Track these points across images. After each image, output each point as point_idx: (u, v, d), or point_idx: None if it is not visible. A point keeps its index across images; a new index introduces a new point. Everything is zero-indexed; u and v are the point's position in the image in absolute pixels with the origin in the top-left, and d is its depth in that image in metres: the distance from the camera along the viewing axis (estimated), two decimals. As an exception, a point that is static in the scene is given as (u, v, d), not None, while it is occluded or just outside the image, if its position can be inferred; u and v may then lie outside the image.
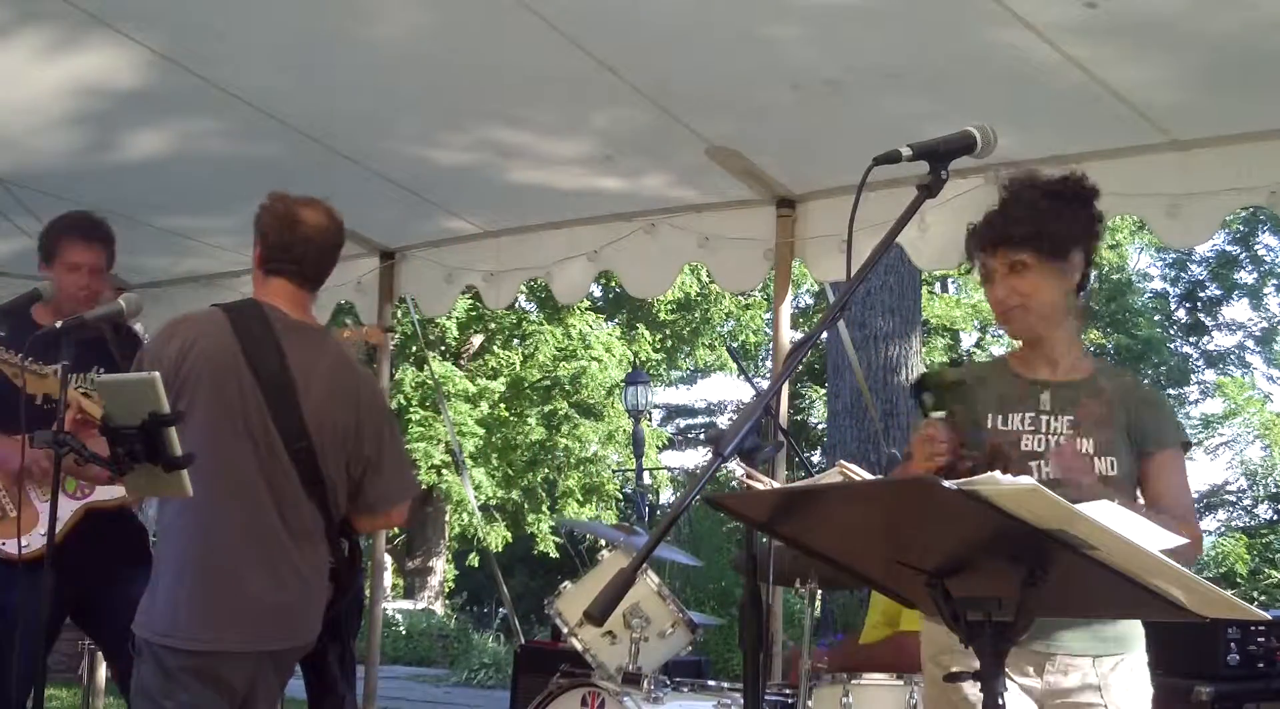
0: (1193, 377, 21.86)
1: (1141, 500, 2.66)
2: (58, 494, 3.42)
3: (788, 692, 4.00)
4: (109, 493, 3.96)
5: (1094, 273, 2.83)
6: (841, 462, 1.97)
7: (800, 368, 5.35)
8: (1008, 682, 1.91)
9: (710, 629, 10.78)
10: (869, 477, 1.88)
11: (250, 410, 3.07)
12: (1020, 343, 2.83)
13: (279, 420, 3.07)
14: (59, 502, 3.75)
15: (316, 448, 3.11)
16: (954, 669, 1.84)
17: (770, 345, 16.82)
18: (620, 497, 21.64)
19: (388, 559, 18.31)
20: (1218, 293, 21.62)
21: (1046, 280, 2.69)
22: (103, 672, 6.57)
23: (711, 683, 4.23)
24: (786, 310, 5.24)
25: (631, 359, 20.41)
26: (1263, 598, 15.84)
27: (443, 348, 20.46)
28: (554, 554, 19.86)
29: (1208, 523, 19.44)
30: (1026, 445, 2.67)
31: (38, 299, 3.63)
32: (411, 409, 19.07)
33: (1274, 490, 18.98)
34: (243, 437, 3.06)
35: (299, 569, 3.10)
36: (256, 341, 3.11)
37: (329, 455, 3.14)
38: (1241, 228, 19.85)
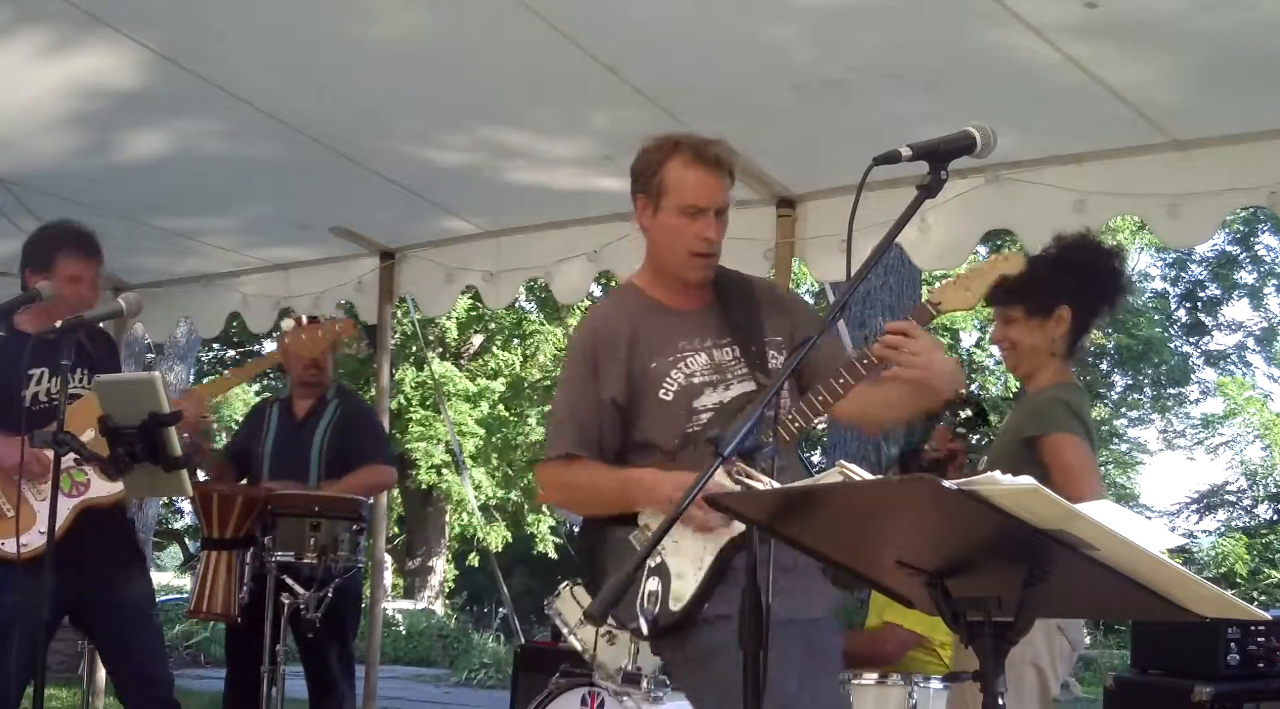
0: (1193, 376, 21.84)
1: None
2: (57, 494, 3.44)
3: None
4: (104, 490, 3.96)
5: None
6: (841, 462, 1.97)
7: (800, 368, 5.31)
8: None
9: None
10: (869, 477, 1.88)
11: None
12: None
13: None
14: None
15: None
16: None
17: (770, 345, 16.73)
18: (620, 496, 21.59)
19: (388, 559, 18.31)
20: (1218, 293, 21.60)
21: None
22: (102, 672, 6.57)
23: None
24: (786, 310, 5.23)
25: (632, 359, 20.35)
26: (1263, 598, 15.84)
27: (442, 348, 20.46)
28: (554, 554, 19.85)
29: (1208, 523, 19.45)
30: None
31: (36, 299, 3.63)
32: (411, 409, 19.06)
33: (1274, 490, 18.97)
34: None
35: None
36: None
37: None
38: (1241, 228, 19.82)
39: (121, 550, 4.13)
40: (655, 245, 2.95)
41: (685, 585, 2.71)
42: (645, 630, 2.71)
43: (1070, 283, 3.49)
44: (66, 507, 3.89)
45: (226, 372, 4.88)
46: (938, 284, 2.66)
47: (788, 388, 2.84)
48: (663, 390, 2.83)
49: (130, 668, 4.12)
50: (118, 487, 4.00)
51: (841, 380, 2.64)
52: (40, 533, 3.81)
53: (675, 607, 2.70)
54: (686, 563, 2.71)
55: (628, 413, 2.86)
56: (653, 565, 2.71)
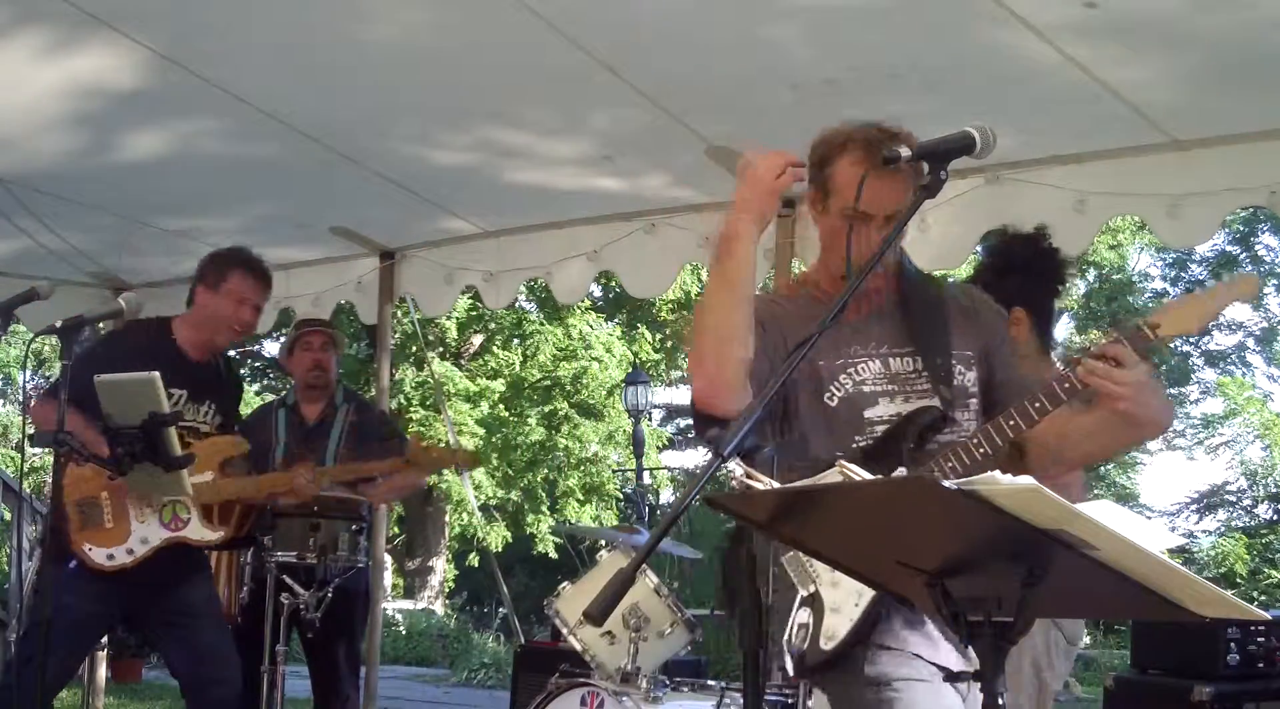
0: (1193, 376, 21.84)
1: None
2: (59, 493, 3.45)
3: (787, 692, 4.00)
4: (199, 535, 4.07)
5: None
6: (842, 461, 1.97)
7: (800, 368, 5.31)
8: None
9: (709, 628, 10.77)
10: (869, 477, 1.88)
11: None
12: None
13: None
14: (151, 527, 4.00)
15: None
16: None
17: (770, 345, 16.68)
18: (620, 497, 21.62)
19: (388, 559, 18.30)
20: (1218, 293, 21.58)
21: None
22: (103, 672, 6.57)
23: (711, 683, 4.23)
24: (786, 310, 5.23)
25: (631, 359, 20.39)
26: (1263, 598, 15.83)
27: (442, 348, 20.45)
28: (554, 554, 19.84)
29: (1208, 523, 19.43)
30: None
31: (34, 298, 3.63)
32: (411, 409, 19.05)
33: (1274, 490, 18.97)
34: None
35: None
36: None
37: None
38: (1241, 228, 19.84)
39: (188, 563, 4.16)
40: (823, 243, 2.65)
41: (839, 622, 2.42)
42: (791, 669, 2.46)
43: (1011, 285, 3.44)
44: (159, 535, 3.99)
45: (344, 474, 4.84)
46: (1164, 301, 2.46)
47: (973, 408, 2.56)
48: (828, 395, 2.52)
49: (189, 669, 4.14)
50: (214, 535, 4.10)
51: (1037, 405, 2.36)
52: (129, 552, 3.94)
53: (826, 645, 2.42)
54: (843, 597, 2.43)
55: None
56: (805, 595, 2.46)
